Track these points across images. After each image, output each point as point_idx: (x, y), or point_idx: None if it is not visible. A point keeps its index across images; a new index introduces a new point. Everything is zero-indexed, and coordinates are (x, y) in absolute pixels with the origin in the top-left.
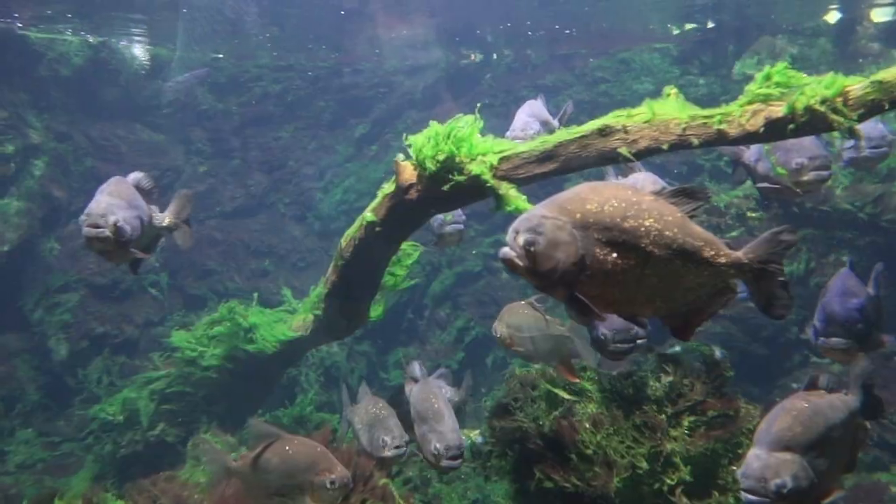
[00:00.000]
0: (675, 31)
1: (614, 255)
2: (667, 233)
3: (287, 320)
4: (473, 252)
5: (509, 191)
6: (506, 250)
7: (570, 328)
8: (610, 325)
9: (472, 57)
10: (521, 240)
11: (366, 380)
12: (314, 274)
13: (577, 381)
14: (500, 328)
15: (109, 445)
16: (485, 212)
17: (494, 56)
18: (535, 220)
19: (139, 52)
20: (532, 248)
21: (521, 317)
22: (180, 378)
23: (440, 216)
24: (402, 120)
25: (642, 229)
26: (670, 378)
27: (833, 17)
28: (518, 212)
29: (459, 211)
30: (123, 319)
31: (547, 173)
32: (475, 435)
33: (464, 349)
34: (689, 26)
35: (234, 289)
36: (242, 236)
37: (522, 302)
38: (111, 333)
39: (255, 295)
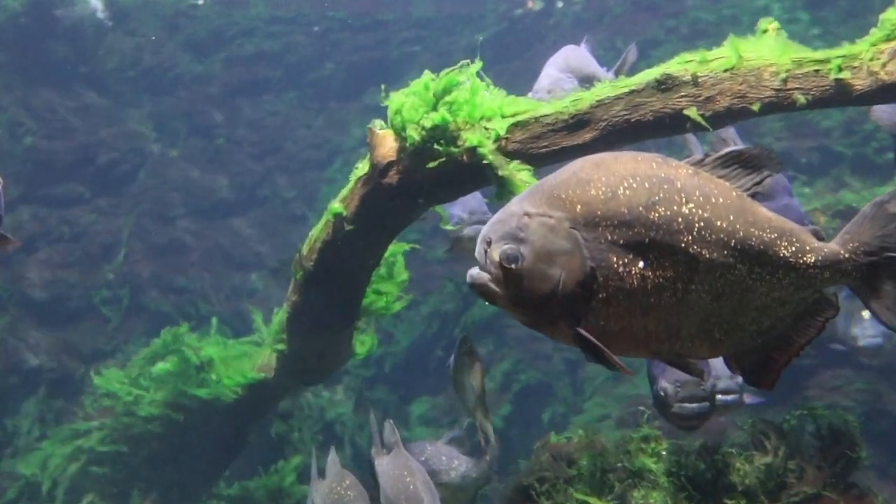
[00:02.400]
0: None
1: (640, 263)
2: (719, 223)
3: (252, 356)
4: None
5: (517, 173)
6: (475, 272)
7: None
8: (673, 375)
9: (530, 4)
10: (495, 254)
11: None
12: None
13: (485, 455)
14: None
15: None
16: None
17: (560, 3)
18: (515, 220)
19: None
20: (513, 266)
21: (456, 356)
22: (116, 432)
23: (456, 211)
24: None
25: (680, 220)
26: (769, 458)
27: None
28: None
29: (483, 204)
30: (65, 349)
31: (581, 147)
32: None
33: (511, 401)
34: None
35: (209, 312)
36: (224, 241)
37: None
38: (47, 367)
39: (214, 320)
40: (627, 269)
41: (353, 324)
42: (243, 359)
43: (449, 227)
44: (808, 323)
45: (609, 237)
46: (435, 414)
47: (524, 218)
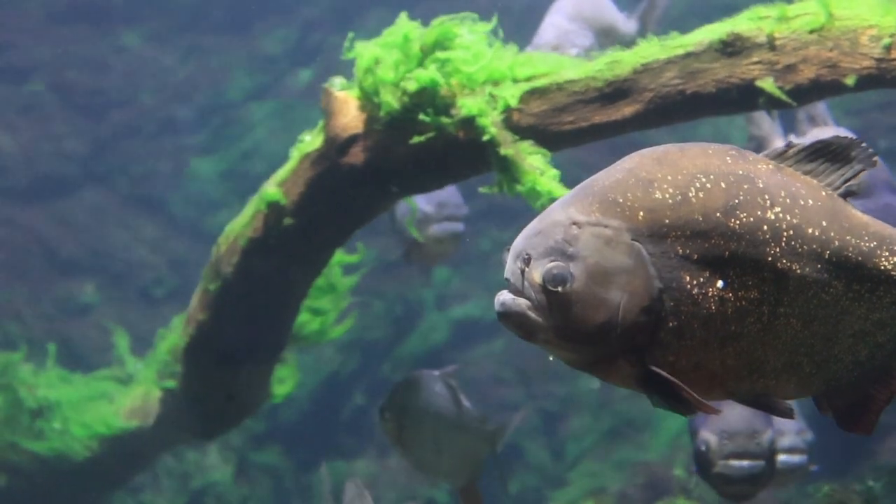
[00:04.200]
0: None
1: (719, 283)
2: (810, 231)
3: (115, 397)
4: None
5: (525, 157)
6: (508, 298)
7: (498, 430)
8: (719, 423)
9: None
10: (537, 274)
11: None
12: (181, 311)
13: None
14: (387, 412)
15: None
16: (512, 205)
17: None
18: (560, 231)
19: None
20: (560, 289)
21: (423, 396)
22: None
23: (420, 204)
24: (363, 20)
25: (765, 228)
26: None
27: None
28: (541, 202)
29: (457, 195)
30: None
31: (619, 124)
32: None
33: None
34: None
35: (19, 336)
36: (45, 234)
37: (436, 372)
38: None
39: (52, 348)
40: (703, 291)
41: (280, 353)
42: (101, 401)
43: (413, 230)
44: None
45: (680, 251)
46: None
47: (572, 228)
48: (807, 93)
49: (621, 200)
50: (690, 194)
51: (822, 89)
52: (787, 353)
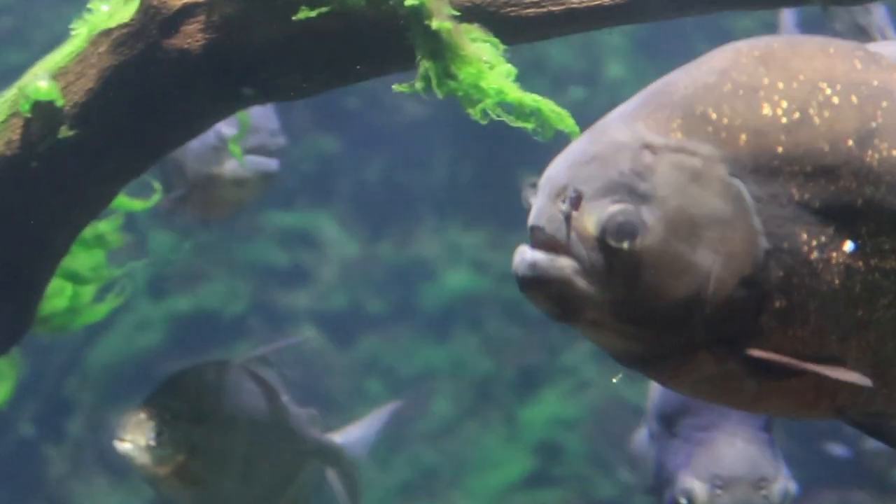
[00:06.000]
0: None
1: (848, 245)
2: None
3: None
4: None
5: (465, 38)
6: (540, 257)
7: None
8: (710, 465)
9: None
10: (590, 221)
11: None
12: None
13: None
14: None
15: None
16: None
17: None
18: (626, 157)
19: None
20: (626, 246)
21: (227, 396)
22: None
23: (224, 127)
24: None
25: None
26: None
27: None
28: (484, 105)
29: (273, 118)
30: None
31: (608, 10)
32: None
33: None
34: None
35: None
36: None
37: (238, 361)
38: None
39: None
40: (825, 257)
41: (20, 338)
42: None
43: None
44: None
45: (796, 196)
46: None
47: (644, 154)
48: None
49: (714, 116)
50: (811, 111)
51: None
52: None
